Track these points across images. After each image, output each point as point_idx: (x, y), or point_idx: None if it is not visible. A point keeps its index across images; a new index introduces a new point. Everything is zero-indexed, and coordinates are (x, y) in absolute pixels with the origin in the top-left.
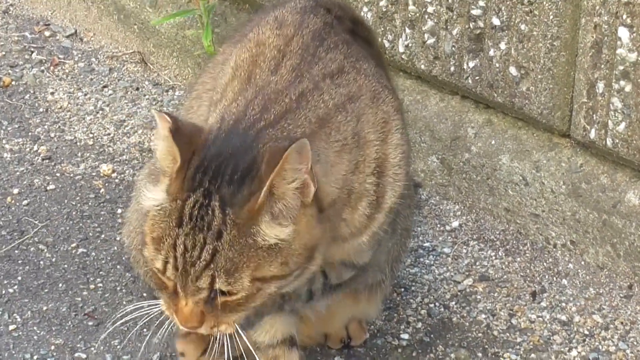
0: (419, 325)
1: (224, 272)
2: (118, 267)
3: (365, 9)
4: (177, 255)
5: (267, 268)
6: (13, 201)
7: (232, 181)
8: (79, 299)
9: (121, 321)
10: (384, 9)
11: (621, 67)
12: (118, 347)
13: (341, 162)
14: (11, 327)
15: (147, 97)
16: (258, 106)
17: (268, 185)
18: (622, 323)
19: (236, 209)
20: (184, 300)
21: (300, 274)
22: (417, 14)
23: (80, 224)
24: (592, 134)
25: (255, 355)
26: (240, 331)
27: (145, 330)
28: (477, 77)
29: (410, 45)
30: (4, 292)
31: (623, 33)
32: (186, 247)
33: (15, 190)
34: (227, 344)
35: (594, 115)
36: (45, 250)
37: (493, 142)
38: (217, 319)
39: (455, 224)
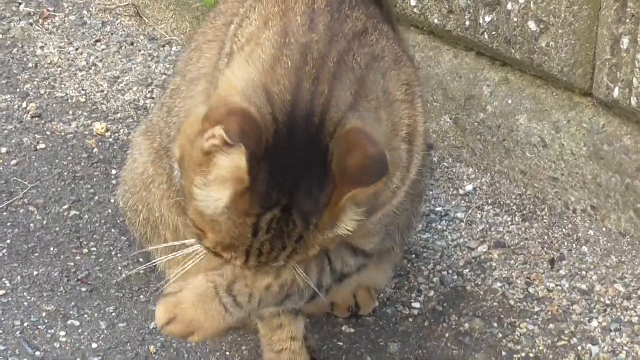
0: (431, 293)
1: (298, 259)
2: (112, 230)
3: None
4: (250, 257)
5: (330, 243)
6: (1, 161)
7: (310, 192)
8: (72, 263)
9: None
10: None
11: None
12: (113, 314)
13: (380, 119)
14: (0, 293)
15: (142, 52)
16: (310, 74)
17: (347, 198)
18: None
19: (318, 216)
20: (245, 268)
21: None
22: None
23: (72, 185)
24: (616, 93)
25: (323, 296)
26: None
27: (142, 296)
28: (493, 32)
29: None
30: None
31: None
32: (261, 251)
33: (3, 149)
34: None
35: (618, 73)
36: (36, 212)
37: (510, 101)
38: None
39: (469, 187)
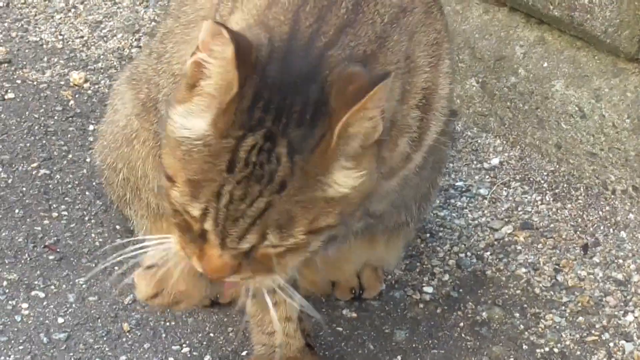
0: (446, 277)
1: (277, 228)
2: (87, 193)
3: None
4: (220, 206)
5: (323, 219)
6: None
7: (302, 122)
8: (39, 228)
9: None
10: None
11: None
12: (83, 286)
13: (393, 88)
14: None
15: None
16: (311, 14)
17: (343, 124)
18: None
19: (307, 156)
20: (216, 249)
21: (346, 225)
22: None
23: (44, 141)
24: None
25: (314, 312)
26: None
27: (116, 267)
28: None
29: None
30: None
31: None
32: (233, 197)
33: None
34: (274, 315)
35: None
36: (0, 169)
37: (545, 64)
38: (253, 270)
39: (495, 161)
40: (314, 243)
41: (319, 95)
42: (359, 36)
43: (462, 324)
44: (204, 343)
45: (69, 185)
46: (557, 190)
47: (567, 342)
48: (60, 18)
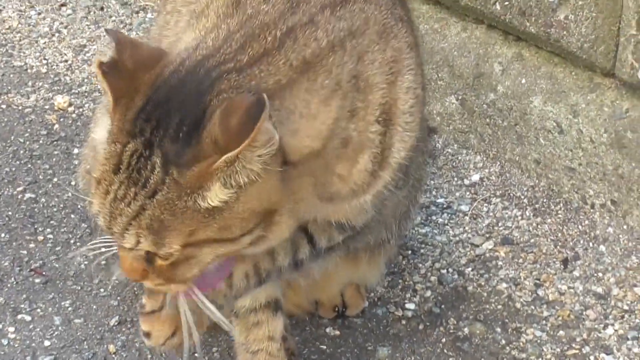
0: (428, 293)
1: (150, 233)
2: (72, 216)
3: None
4: (106, 203)
5: (202, 232)
6: None
7: (177, 137)
8: (24, 252)
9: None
10: None
11: None
12: (69, 308)
13: (327, 110)
14: None
15: (113, 18)
16: (237, 43)
17: (234, 154)
18: None
19: (182, 171)
20: (123, 252)
21: (256, 241)
22: None
23: (29, 165)
24: None
25: (227, 325)
26: (200, 296)
27: (102, 290)
28: (506, 3)
29: None
30: None
31: None
32: (117, 196)
33: None
34: (190, 322)
35: None
36: None
37: (523, 80)
38: (164, 277)
39: (475, 177)
40: (201, 258)
41: (199, 116)
42: (276, 64)
43: (444, 340)
44: None
45: (54, 209)
46: (536, 206)
47: (549, 356)
48: (45, 42)
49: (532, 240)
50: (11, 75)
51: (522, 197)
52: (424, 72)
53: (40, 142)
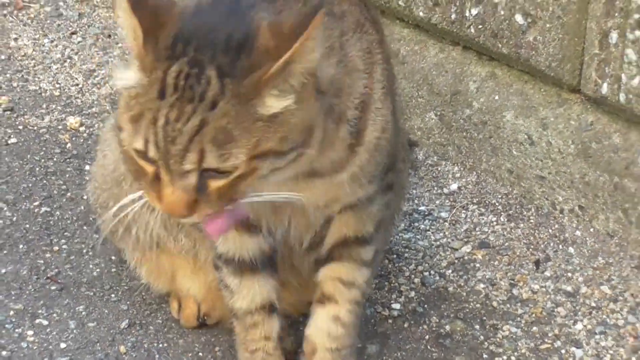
0: (412, 294)
1: (215, 146)
2: (85, 227)
3: None
4: (157, 129)
5: (265, 142)
6: None
7: (228, 50)
8: (41, 261)
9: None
10: None
11: (637, 16)
12: (83, 313)
13: (329, 64)
14: None
15: (119, 45)
16: None
17: (286, 58)
18: (632, 295)
19: (238, 80)
20: (169, 187)
21: (295, 158)
22: None
23: (44, 181)
24: (604, 89)
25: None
26: None
27: (113, 295)
28: (480, 26)
29: None
30: None
31: None
32: (168, 119)
33: None
34: None
35: (607, 68)
36: (5, 208)
37: (496, 97)
38: (214, 204)
39: (453, 186)
40: (260, 172)
41: (246, 30)
42: (284, 8)
43: (427, 337)
44: None
45: (68, 221)
46: (510, 212)
47: (523, 351)
48: (57, 68)
49: (506, 244)
50: (27, 99)
51: (497, 204)
52: (403, 87)
53: (55, 159)
